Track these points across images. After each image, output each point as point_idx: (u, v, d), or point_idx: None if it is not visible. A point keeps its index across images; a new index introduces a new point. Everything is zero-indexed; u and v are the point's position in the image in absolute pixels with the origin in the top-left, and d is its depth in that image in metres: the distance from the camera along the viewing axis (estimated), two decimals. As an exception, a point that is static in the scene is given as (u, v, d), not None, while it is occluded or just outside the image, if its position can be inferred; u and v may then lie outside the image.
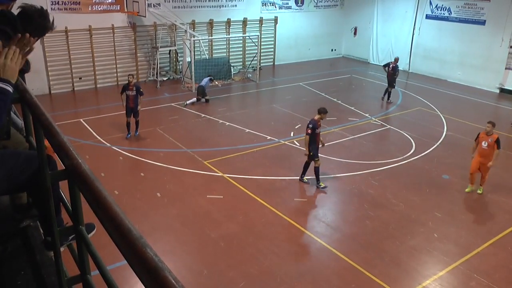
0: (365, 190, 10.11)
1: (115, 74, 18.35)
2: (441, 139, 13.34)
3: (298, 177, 10.39)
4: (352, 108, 15.62)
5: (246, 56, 21.81)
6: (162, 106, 16.07)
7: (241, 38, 21.43)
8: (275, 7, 22.42)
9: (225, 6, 20.64)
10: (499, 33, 18.87)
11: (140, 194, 9.68)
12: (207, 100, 16.20)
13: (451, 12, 20.58)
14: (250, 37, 20.93)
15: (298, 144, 12.53)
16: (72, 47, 17.11)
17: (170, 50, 19.47)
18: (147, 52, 19.15)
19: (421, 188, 10.26)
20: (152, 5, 17.74)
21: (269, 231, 8.42)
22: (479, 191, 10.10)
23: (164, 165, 11.04)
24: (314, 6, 23.97)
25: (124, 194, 9.57)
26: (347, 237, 8.46)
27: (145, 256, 1.09)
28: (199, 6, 19.83)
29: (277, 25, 22.67)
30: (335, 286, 7.01)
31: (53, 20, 2.61)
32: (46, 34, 2.69)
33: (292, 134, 13.34)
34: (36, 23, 2.47)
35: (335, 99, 17.04)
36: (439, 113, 15.83)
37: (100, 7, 17.28)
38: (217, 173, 10.71)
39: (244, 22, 21.43)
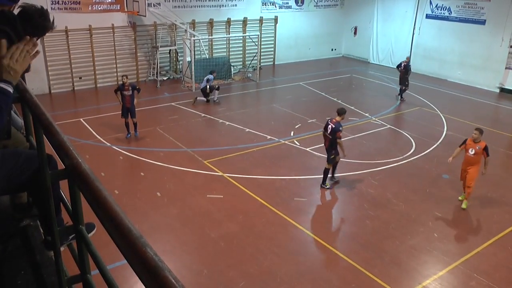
0: (365, 190, 10.11)
1: (115, 74, 18.33)
2: (441, 139, 13.34)
3: (320, 184, 10.17)
4: (352, 107, 15.60)
5: (246, 55, 21.80)
6: (162, 105, 16.07)
7: (241, 37, 21.43)
8: (275, 6, 22.41)
9: (225, 6, 20.64)
10: (499, 32, 18.86)
11: (140, 193, 9.69)
12: (207, 100, 16.20)
13: (451, 12, 20.57)
14: (250, 36, 20.93)
15: (298, 144, 12.53)
16: (72, 46, 17.11)
17: (170, 50, 19.47)
18: (147, 51, 19.15)
19: (421, 188, 10.25)
20: (152, 5, 17.72)
21: (269, 231, 8.42)
22: (463, 206, 9.31)
23: (164, 164, 11.04)
24: (314, 6, 23.96)
25: (124, 193, 9.58)
26: (347, 237, 8.47)
27: (145, 255, 1.09)
28: (199, 6, 19.83)
29: (277, 25, 22.66)
30: (335, 286, 7.01)
31: (53, 20, 2.61)
32: (46, 34, 2.69)
33: (292, 134, 13.33)
34: (36, 23, 2.46)
35: (335, 99, 17.03)
36: (439, 112, 15.82)
37: (100, 7, 17.29)
38: (217, 172, 10.72)
39: (244, 21, 21.42)
